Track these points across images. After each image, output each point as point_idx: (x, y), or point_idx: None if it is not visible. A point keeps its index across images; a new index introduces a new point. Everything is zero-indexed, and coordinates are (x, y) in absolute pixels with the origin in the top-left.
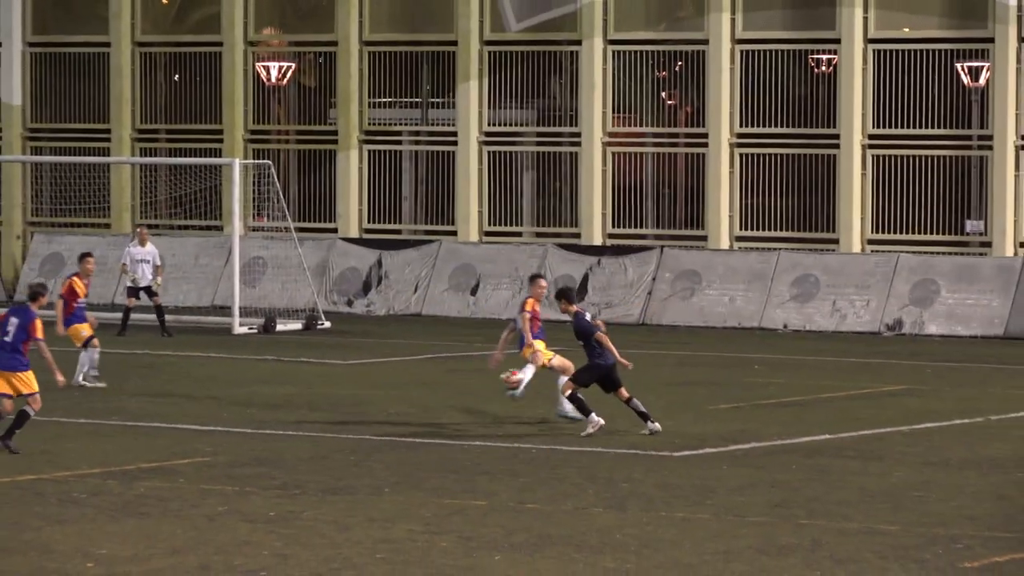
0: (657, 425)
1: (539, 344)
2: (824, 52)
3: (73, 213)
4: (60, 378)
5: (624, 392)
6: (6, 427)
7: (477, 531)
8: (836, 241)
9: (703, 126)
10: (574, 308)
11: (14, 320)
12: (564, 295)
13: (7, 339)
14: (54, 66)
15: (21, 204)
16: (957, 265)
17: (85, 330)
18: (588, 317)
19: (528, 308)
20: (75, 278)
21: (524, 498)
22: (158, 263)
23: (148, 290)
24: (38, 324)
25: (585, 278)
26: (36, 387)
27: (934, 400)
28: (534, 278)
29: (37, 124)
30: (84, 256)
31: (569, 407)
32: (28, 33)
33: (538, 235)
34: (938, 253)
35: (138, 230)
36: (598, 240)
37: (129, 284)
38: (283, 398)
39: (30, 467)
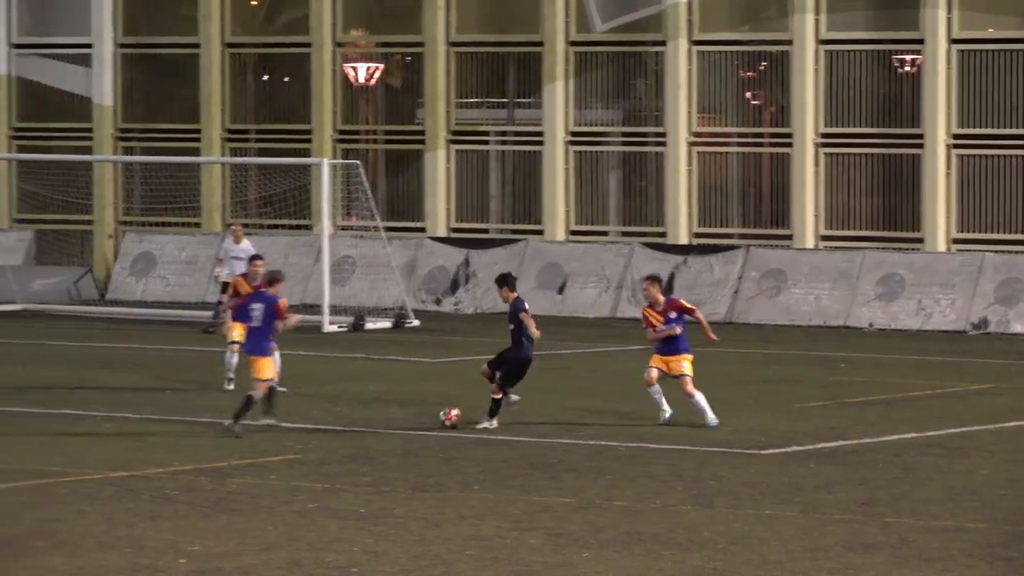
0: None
1: None
2: (908, 52)
3: (164, 212)
4: None
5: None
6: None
7: (565, 528)
8: (921, 240)
9: (787, 126)
10: (513, 295)
11: (258, 305)
12: (504, 281)
13: (255, 324)
14: (145, 67)
15: (113, 203)
16: None
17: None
18: (527, 306)
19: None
20: (241, 278)
21: (612, 495)
22: None
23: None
24: (282, 303)
25: (671, 277)
26: (270, 375)
27: (1020, 399)
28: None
29: (128, 124)
30: (254, 259)
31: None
32: (119, 34)
33: (624, 234)
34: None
35: (232, 227)
36: (684, 239)
37: (223, 279)
38: (372, 396)
39: (123, 464)
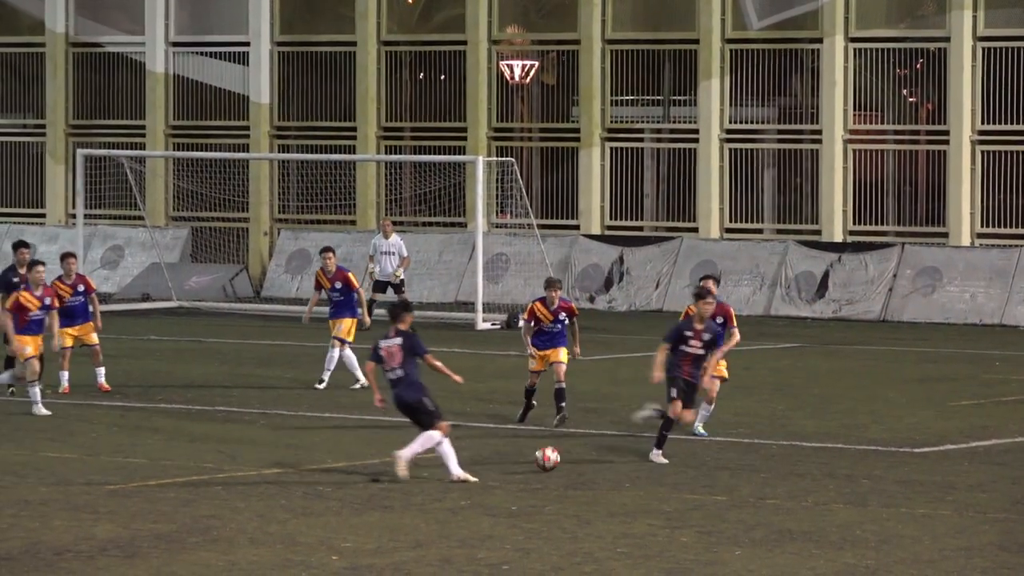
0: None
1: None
2: None
3: (319, 210)
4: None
5: None
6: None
7: (717, 526)
8: None
9: (944, 123)
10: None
11: None
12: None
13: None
14: (301, 65)
15: (268, 201)
16: None
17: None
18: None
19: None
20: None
21: (764, 494)
22: (404, 255)
23: (396, 286)
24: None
25: (826, 275)
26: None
27: None
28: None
29: (284, 122)
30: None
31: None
32: (276, 33)
33: (778, 232)
34: None
35: (383, 223)
36: (839, 237)
37: (377, 277)
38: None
39: (276, 461)
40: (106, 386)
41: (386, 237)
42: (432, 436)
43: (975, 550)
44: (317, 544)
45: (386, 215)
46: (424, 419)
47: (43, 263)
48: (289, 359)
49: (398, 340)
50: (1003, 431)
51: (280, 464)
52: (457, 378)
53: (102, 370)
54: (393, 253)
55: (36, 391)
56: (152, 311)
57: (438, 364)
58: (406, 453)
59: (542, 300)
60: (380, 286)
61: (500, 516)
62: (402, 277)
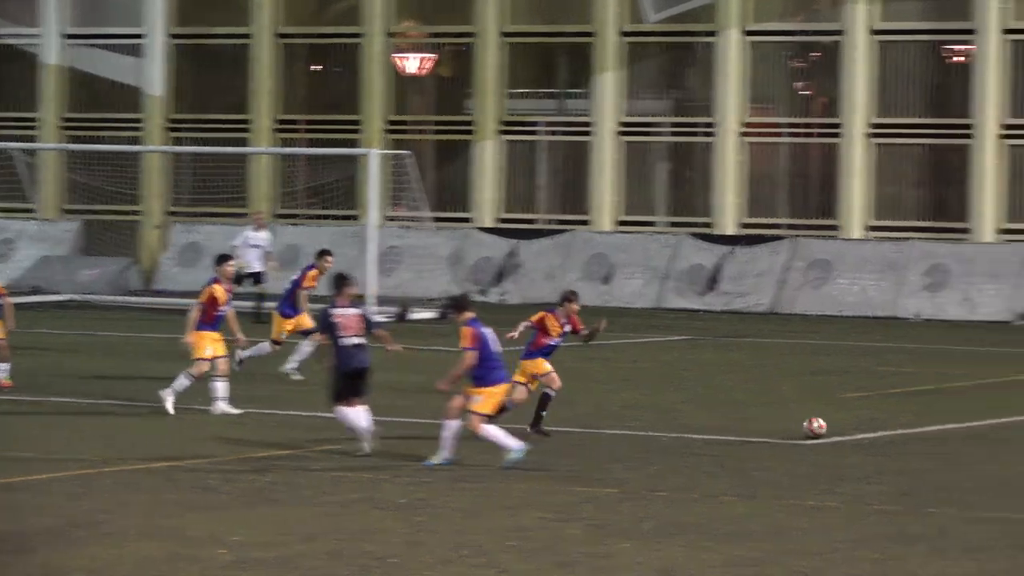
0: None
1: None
2: (958, 42)
3: (212, 203)
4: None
5: None
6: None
7: (607, 518)
8: (968, 230)
9: (837, 116)
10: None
11: None
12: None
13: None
14: (195, 57)
15: (161, 194)
16: None
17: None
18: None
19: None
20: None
21: (655, 486)
22: (270, 250)
23: (257, 276)
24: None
25: (717, 267)
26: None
27: None
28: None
29: (177, 115)
30: (323, 253)
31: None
32: (170, 24)
33: (672, 224)
34: None
35: (255, 216)
36: (731, 230)
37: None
38: (415, 386)
39: (165, 454)
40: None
41: (256, 230)
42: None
43: (863, 542)
44: (206, 538)
45: (259, 209)
46: (366, 387)
47: None
48: (179, 352)
49: (357, 310)
50: (892, 423)
51: (169, 457)
52: (399, 347)
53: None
54: (260, 247)
55: None
56: (43, 304)
57: (386, 334)
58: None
59: (554, 312)
60: (238, 278)
61: (389, 509)
62: (265, 271)
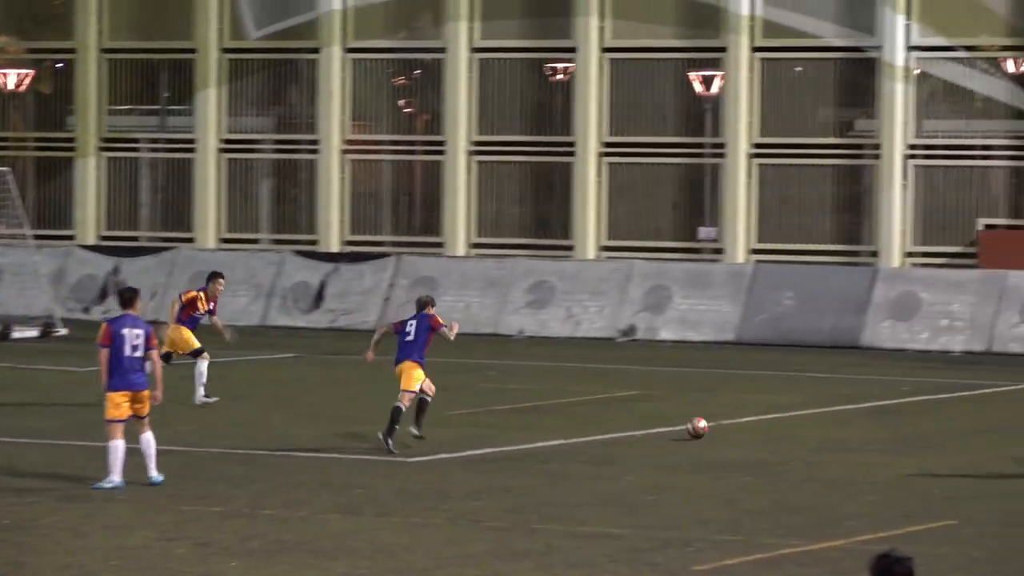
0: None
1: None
2: (560, 60)
3: None
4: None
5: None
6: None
7: (212, 537)
8: (571, 248)
9: (440, 134)
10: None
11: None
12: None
13: (409, 339)
14: None
15: None
16: (689, 271)
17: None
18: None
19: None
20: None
21: (260, 504)
22: None
23: None
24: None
25: (322, 285)
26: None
27: (666, 405)
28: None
29: None
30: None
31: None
32: None
33: (276, 242)
34: (671, 259)
35: None
36: (335, 247)
37: None
38: (19, 405)
39: None
40: None
41: None
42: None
43: (469, 558)
44: None
45: None
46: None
47: None
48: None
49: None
50: (497, 440)
51: None
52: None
53: None
54: None
55: None
56: None
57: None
58: None
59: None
60: None
61: None
62: None
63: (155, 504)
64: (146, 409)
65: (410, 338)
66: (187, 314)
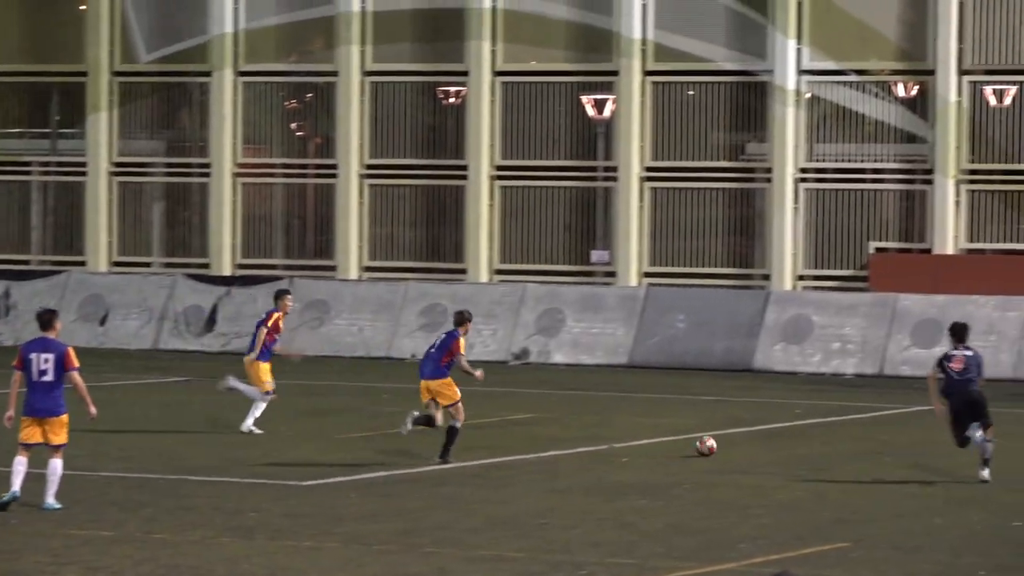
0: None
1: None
2: (452, 84)
3: None
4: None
5: None
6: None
7: (103, 562)
8: (464, 271)
9: (333, 157)
10: None
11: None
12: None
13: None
14: None
15: None
16: (582, 295)
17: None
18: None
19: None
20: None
21: (151, 528)
22: None
23: None
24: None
25: (214, 308)
26: None
27: (559, 428)
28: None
29: None
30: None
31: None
32: None
33: (168, 265)
34: (564, 283)
35: None
36: (228, 270)
37: None
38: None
39: None
40: None
41: None
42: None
43: None
44: None
45: None
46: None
47: None
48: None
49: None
50: (390, 463)
51: None
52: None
53: None
54: None
55: None
56: None
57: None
58: None
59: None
60: None
61: None
62: None
63: (45, 529)
64: (58, 438)
65: (433, 350)
66: (271, 337)
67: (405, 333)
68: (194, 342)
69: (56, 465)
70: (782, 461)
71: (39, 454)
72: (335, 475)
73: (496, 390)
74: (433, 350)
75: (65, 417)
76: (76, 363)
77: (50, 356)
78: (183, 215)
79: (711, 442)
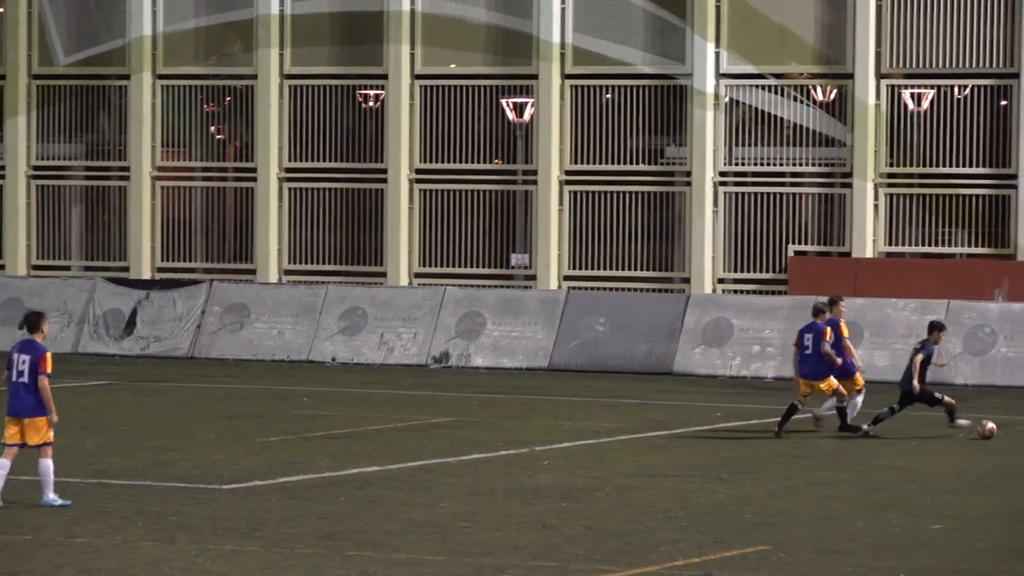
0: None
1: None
2: (372, 87)
3: None
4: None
5: None
6: None
7: (24, 566)
8: (384, 274)
9: (252, 160)
10: None
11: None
12: None
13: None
14: None
15: None
16: (503, 298)
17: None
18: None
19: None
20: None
21: (72, 532)
22: None
23: None
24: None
25: (134, 312)
26: None
27: (480, 431)
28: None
29: None
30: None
31: None
32: None
33: (87, 269)
34: (484, 286)
35: None
36: (147, 274)
37: None
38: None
39: None
40: None
41: None
42: None
43: None
44: None
45: None
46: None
47: None
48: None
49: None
50: (311, 466)
51: None
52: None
53: None
54: None
55: None
56: None
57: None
58: None
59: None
60: None
61: None
62: None
63: None
64: (36, 438)
65: (808, 351)
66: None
67: (325, 336)
68: (114, 346)
69: (46, 464)
70: (703, 464)
71: (27, 454)
72: (256, 478)
73: (416, 394)
74: (807, 351)
75: (41, 419)
76: (47, 368)
77: (27, 358)
78: (102, 218)
79: (991, 424)
